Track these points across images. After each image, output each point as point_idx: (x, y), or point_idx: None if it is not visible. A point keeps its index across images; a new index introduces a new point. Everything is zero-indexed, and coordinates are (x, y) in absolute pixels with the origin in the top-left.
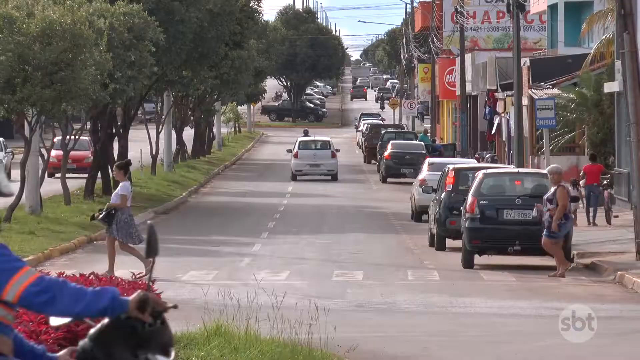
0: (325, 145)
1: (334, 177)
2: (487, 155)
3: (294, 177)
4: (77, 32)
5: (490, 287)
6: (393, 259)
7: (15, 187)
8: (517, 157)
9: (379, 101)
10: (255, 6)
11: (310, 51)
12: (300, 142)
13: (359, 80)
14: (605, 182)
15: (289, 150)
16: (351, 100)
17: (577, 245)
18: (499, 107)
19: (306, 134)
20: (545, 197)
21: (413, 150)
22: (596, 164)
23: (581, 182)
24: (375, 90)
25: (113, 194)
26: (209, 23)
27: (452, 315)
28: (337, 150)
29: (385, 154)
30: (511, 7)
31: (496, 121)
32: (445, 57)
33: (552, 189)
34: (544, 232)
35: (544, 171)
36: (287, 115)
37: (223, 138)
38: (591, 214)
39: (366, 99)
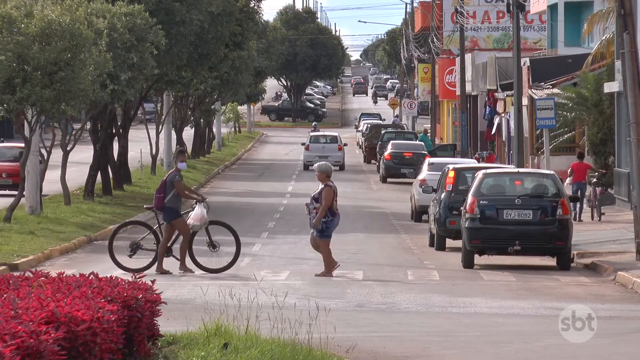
0: (334, 139)
1: (341, 167)
2: (486, 154)
3: (305, 167)
4: (76, 31)
5: (490, 287)
6: (393, 259)
7: None
8: (517, 157)
9: (373, 97)
10: (255, 7)
11: (310, 51)
12: (311, 136)
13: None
14: (593, 180)
15: (303, 144)
16: (353, 95)
17: (577, 245)
18: (499, 107)
19: (315, 127)
20: (312, 195)
21: (413, 150)
22: (583, 162)
23: (568, 180)
24: (372, 88)
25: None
26: (209, 24)
27: (452, 315)
28: (345, 145)
29: (385, 154)
30: (511, 7)
31: (496, 121)
32: (445, 57)
33: (319, 187)
34: (313, 232)
35: (546, 171)
36: (287, 115)
37: (223, 138)
38: (577, 211)
39: (367, 95)
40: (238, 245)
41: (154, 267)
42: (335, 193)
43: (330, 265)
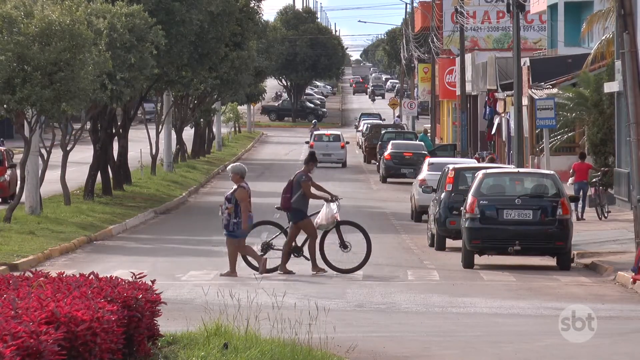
0: (337, 138)
1: (343, 165)
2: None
3: None
4: (76, 32)
5: (490, 287)
6: (393, 259)
7: None
8: (517, 157)
9: (371, 95)
10: (255, 7)
11: (310, 51)
12: (315, 135)
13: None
14: (594, 179)
15: (307, 142)
16: (353, 94)
17: (577, 245)
18: (499, 107)
19: (315, 125)
20: (225, 196)
21: (413, 150)
22: (585, 162)
23: (570, 180)
24: (370, 87)
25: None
26: (209, 24)
27: (452, 315)
28: (347, 143)
29: (385, 154)
30: (511, 7)
31: (496, 121)
32: (445, 57)
33: (233, 188)
34: (224, 232)
35: (546, 171)
36: (287, 115)
37: (223, 138)
38: (579, 210)
39: (367, 94)
40: (369, 244)
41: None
42: (248, 194)
43: (234, 264)
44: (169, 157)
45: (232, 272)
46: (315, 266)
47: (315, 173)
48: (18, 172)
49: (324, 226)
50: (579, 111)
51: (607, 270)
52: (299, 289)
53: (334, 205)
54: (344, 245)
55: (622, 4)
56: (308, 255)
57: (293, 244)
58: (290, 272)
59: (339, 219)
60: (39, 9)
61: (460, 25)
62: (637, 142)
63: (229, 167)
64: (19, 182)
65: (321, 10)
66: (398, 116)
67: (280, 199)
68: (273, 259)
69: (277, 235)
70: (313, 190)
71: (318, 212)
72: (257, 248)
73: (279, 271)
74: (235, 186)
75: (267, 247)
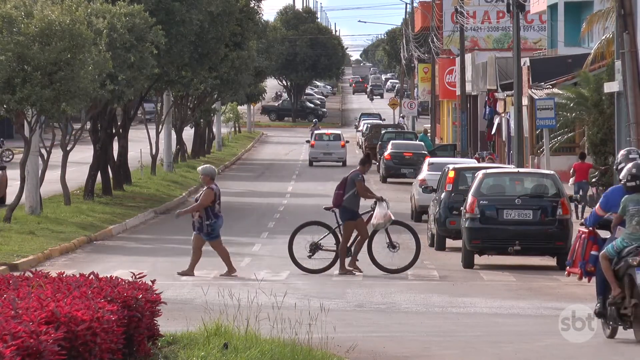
0: (337, 137)
1: (343, 164)
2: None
3: (310, 163)
4: (76, 32)
5: (490, 287)
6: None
7: None
8: (517, 157)
9: (369, 95)
10: (255, 7)
11: (310, 51)
12: (316, 134)
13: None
14: (594, 179)
15: (307, 141)
16: (353, 93)
17: None
18: (499, 107)
19: (315, 124)
20: (195, 198)
21: (413, 150)
22: (585, 162)
23: (570, 180)
24: (368, 87)
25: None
26: (209, 24)
27: (452, 315)
28: (347, 142)
29: (385, 154)
30: (511, 7)
31: (496, 121)
32: (445, 57)
33: (203, 189)
34: (204, 236)
35: (546, 171)
36: (287, 115)
37: (223, 138)
38: (580, 210)
39: (366, 93)
40: (418, 245)
41: (332, 267)
42: (217, 196)
43: (229, 262)
44: (169, 157)
45: (231, 271)
46: (342, 267)
47: (315, 172)
48: (8, 173)
49: (380, 225)
50: (579, 111)
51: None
52: (299, 289)
53: (385, 205)
54: (392, 245)
55: (622, 4)
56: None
57: (349, 243)
58: (350, 272)
59: (393, 218)
60: (39, 8)
61: (460, 25)
62: (637, 142)
63: (199, 168)
64: (19, 184)
65: (321, 10)
66: (402, 116)
67: (329, 198)
68: (322, 259)
69: (325, 236)
70: (368, 190)
71: (370, 212)
72: (305, 246)
73: (339, 272)
74: (205, 187)
75: (315, 247)
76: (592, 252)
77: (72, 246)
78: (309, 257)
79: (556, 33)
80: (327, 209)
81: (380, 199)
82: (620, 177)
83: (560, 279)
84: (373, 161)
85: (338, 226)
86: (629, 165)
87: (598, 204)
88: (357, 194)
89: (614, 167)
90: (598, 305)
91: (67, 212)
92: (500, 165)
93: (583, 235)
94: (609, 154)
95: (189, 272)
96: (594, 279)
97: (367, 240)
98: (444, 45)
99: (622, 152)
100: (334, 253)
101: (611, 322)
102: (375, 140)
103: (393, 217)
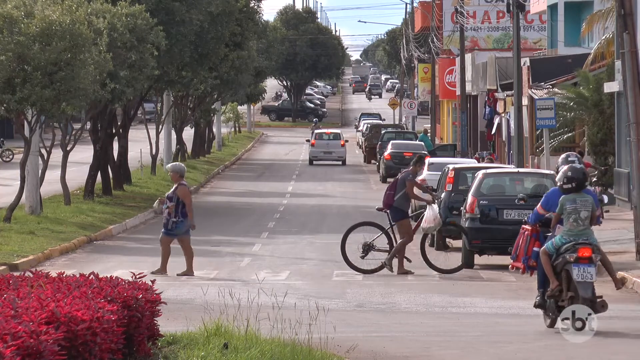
0: (337, 136)
1: (343, 162)
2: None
3: (310, 162)
4: (76, 32)
5: (490, 287)
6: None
7: None
8: (517, 157)
9: (367, 94)
10: (255, 7)
11: (310, 51)
12: (316, 133)
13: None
14: (594, 179)
15: (308, 140)
16: (353, 93)
17: None
18: (499, 107)
19: (316, 124)
20: (166, 195)
21: (413, 150)
22: (583, 160)
23: None
24: (367, 86)
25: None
26: (209, 24)
27: (452, 315)
28: (347, 141)
29: (385, 154)
30: (511, 7)
31: (496, 121)
32: (445, 57)
33: (174, 186)
34: (162, 230)
35: (546, 171)
36: (287, 115)
37: (223, 138)
38: None
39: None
40: (464, 245)
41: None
42: (190, 192)
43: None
44: (169, 157)
45: (163, 271)
46: (401, 267)
47: (315, 173)
48: (8, 173)
49: (431, 228)
50: (579, 111)
51: None
52: (299, 289)
53: (435, 207)
54: (445, 246)
55: (622, 4)
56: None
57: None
58: (409, 272)
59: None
60: (39, 8)
61: (460, 25)
62: (637, 142)
63: (168, 166)
64: (19, 184)
65: (321, 10)
66: (405, 117)
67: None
68: (375, 260)
69: (378, 236)
70: (416, 191)
71: (421, 213)
72: (358, 248)
73: (397, 273)
74: (175, 185)
75: (368, 248)
76: (535, 248)
77: (72, 246)
78: (362, 257)
79: (556, 33)
80: (379, 209)
81: (431, 202)
82: (557, 179)
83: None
84: (373, 161)
85: (390, 226)
86: (565, 168)
87: (540, 204)
88: (407, 194)
89: (587, 170)
90: (538, 297)
91: (67, 212)
92: (499, 165)
93: (526, 232)
94: (609, 154)
95: (188, 272)
96: (535, 273)
97: (409, 242)
98: (444, 45)
99: (562, 155)
100: (387, 253)
101: (550, 313)
102: (375, 140)
103: (442, 221)
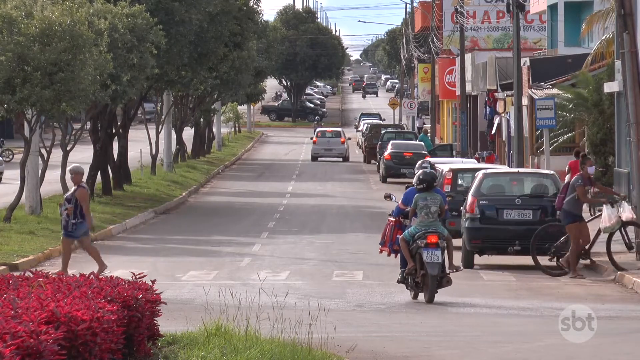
0: (338, 134)
1: (345, 159)
2: (486, 154)
3: (313, 159)
4: (76, 32)
5: (490, 287)
6: (393, 259)
7: None
8: (517, 157)
9: (363, 92)
10: (255, 6)
11: (310, 51)
12: (318, 131)
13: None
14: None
15: (311, 138)
16: (353, 92)
17: None
18: (499, 107)
19: (318, 123)
20: (65, 196)
21: (413, 150)
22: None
23: (566, 177)
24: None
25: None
26: (208, 24)
27: (452, 315)
28: (349, 139)
29: (385, 154)
30: (511, 7)
31: (496, 121)
32: (445, 57)
33: (73, 188)
34: (63, 232)
35: (546, 171)
36: (287, 115)
37: (223, 138)
38: None
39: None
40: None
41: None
42: (88, 194)
43: (100, 259)
44: (169, 157)
45: (102, 267)
46: (574, 270)
47: (315, 173)
48: (8, 173)
49: (608, 228)
50: (578, 111)
51: (607, 270)
52: (299, 289)
53: (612, 207)
54: (628, 246)
55: (622, 4)
56: (588, 260)
57: (581, 245)
58: (581, 276)
59: (624, 219)
60: (39, 9)
61: (460, 25)
62: (637, 142)
63: (69, 168)
64: (19, 184)
65: (321, 10)
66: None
67: None
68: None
69: (562, 239)
70: (589, 195)
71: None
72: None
73: (570, 276)
74: (74, 187)
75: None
76: (398, 236)
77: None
78: (549, 259)
79: (556, 33)
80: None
81: (606, 202)
82: (413, 181)
83: (560, 279)
84: (373, 161)
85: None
86: (419, 172)
87: (400, 200)
88: (577, 198)
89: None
90: (400, 275)
91: None
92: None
93: (391, 223)
94: (609, 154)
95: (102, 268)
96: (400, 256)
97: (581, 247)
98: (444, 45)
99: (419, 162)
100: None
101: (410, 288)
102: (375, 140)
103: (624, 219)
